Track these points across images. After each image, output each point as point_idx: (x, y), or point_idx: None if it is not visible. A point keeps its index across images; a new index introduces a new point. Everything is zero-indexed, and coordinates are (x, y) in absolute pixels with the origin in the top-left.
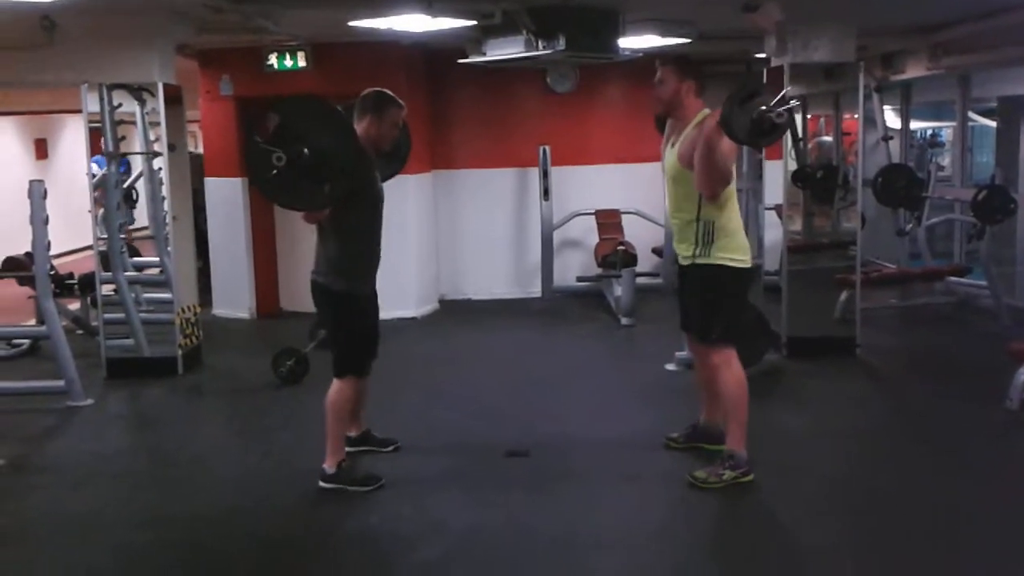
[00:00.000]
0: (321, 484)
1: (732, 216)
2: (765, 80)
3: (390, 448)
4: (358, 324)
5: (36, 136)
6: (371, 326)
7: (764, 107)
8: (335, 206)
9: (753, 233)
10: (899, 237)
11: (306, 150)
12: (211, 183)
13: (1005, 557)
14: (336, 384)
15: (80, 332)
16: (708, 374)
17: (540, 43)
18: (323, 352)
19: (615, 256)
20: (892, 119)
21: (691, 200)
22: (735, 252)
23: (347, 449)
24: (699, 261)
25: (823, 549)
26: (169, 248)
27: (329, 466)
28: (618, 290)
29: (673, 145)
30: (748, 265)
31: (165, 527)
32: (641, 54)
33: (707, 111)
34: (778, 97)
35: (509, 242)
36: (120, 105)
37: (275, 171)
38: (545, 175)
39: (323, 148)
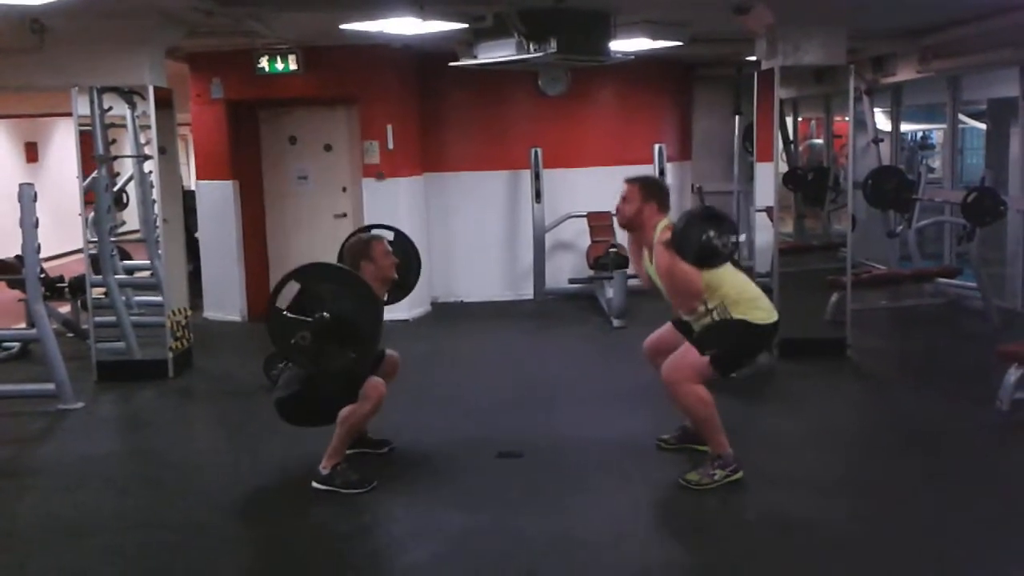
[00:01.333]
0: (314, 484)
1: (740, 287)
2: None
3: (384, 449)
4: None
5: (26, 139)
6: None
7: (715, 234)
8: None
9: (744, 235)
10: (889, 239)
11: (327, 314)
12: (202, 186)
13: (996, 558)
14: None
15: (70, 335)
16: (670, 394)
17: (531, 46)
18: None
19: (607, 258)
20: (882, 121)
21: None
22: (755, 311)
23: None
24: (717, 318)
25: (815, 549)
26: (160, 251)
27: (325, 467)
28: (610, 292)
29: (651, 262)
30: (771, 320)
31: (156, 530)
32: (632, 57)
33: (665, 222)
34: (731, 232)
35: (501, 244)
36: (111, 108)
37: (295, 342)
38: (537, 177)
39: (344, 313)
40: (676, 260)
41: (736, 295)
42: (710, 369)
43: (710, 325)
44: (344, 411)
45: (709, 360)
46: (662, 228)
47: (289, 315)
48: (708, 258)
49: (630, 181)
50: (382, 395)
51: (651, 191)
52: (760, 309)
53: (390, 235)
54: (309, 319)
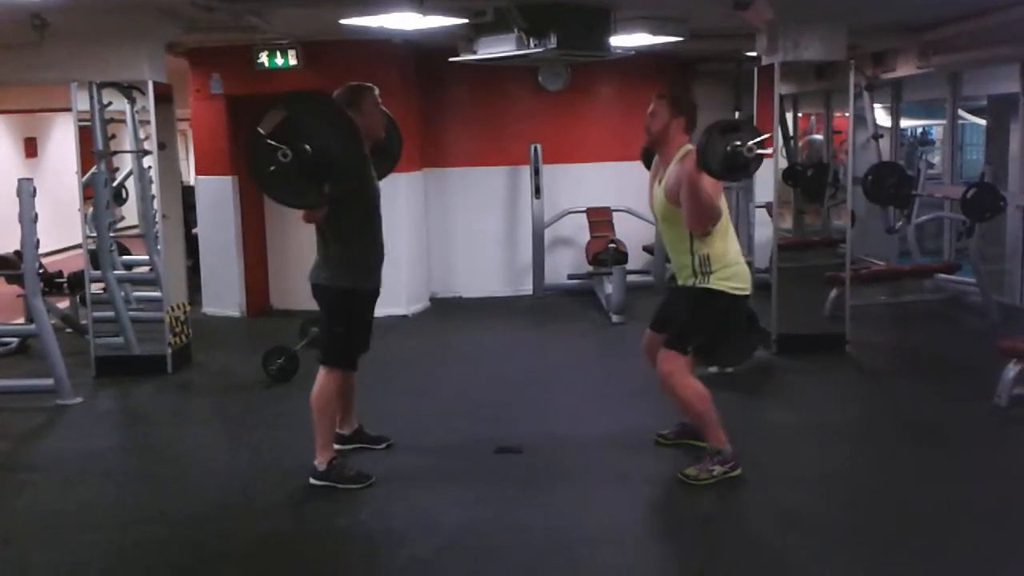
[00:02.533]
0: (312, 481)
1: (729, 247)
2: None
3: (383, 445)
4: (356, 320)
5: (26, 135)
6: (367, 321)
7: (739, 142)
8: (331, 205)
9: (743, 231)
10: (889, 235)
11: (309, 147)
12: (201, 181)
13: (994, 553)
14: (322, 376)
15: (69, 330)
16: (659, 381)
17: (531, 41)
18: (313, 350)
19: (606, 254)
20: (882, 117)
21: (683, 237)
22: (734, 280)
23: (341, 447)
24: (699, 285)
25: (814, 544)
26: (159, 246)
27: (320, 463)
28: (609, 288)
29: (660, 182)
30: (748, 292)
31: (155, 525)
32: (632, 52)
33: (689, 147)
34: (756, 136)
35: (500, 240)
36: (110, 103)
37: (274, 167)
38: (536, 173)
39: (328, 149)
40: (702, 175)
41: (722, 254)
42: (684, 357)
43: (686, 315)
44: (312, 396)
45: (683, 351)
46: (684, 152)
47: (271, 141)
48: (735, 168)
49: (659, 96)
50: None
51: (681, 105)
52: (738, 278)
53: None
54: (289, 147)
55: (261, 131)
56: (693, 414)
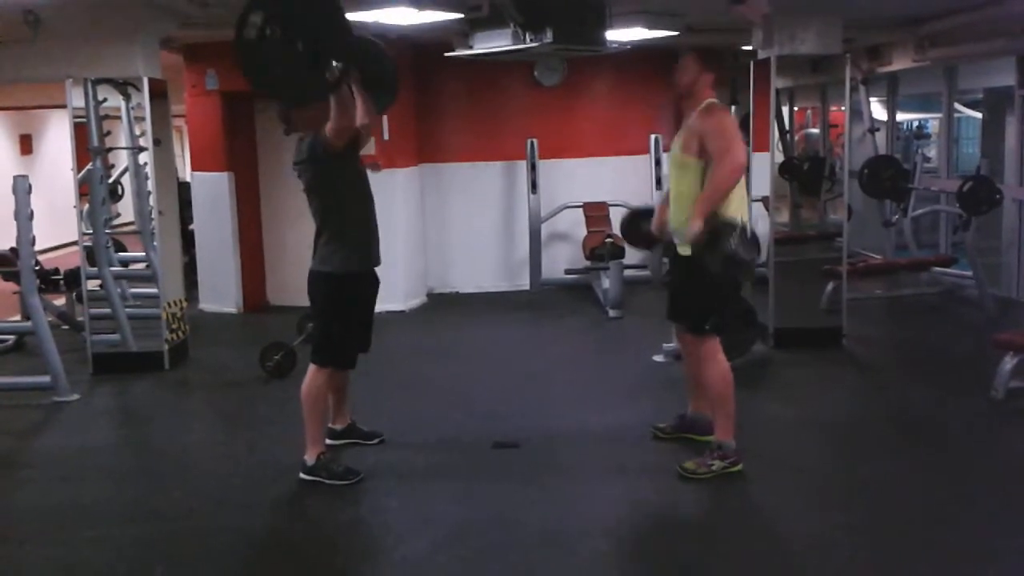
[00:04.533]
0: (301, 476)
1: (741, 210)
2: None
3: (375, 441)
4: (350, 311)
5: (21, 132)
6: (365, 314)
7: (731, 248)
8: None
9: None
10: (885, 228)
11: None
12: (197, 177)
13: (991, 547)
14: (312, 373)
15: (66, 327)
16: (695, 365)
17: (527, 36)
18: (311, 346)
19: (603, 248)
20: (878, 111)
21: (692, 188)
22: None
23: (333, 442)
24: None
25: (811, 538)
26: (155, 243)
27: (309, 458)
28: (606, 282)
29: (681, 134)
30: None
31: (152, 521)
32: (629, 47)
33: (713, 100)
34: (740, 238)
35: (497, 235)
36: (105, 100)
37: (253, 42)
38: (533, 168)
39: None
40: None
41: (734, 212)
42: (716, 338)
43: (693, 291)
44: (303, 390)
45: (712, 332)
46: (708, 104)
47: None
48: (735, 267)
49: (685, 53)
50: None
51: (705, 63)
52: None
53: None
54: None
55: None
56: (714, 394)
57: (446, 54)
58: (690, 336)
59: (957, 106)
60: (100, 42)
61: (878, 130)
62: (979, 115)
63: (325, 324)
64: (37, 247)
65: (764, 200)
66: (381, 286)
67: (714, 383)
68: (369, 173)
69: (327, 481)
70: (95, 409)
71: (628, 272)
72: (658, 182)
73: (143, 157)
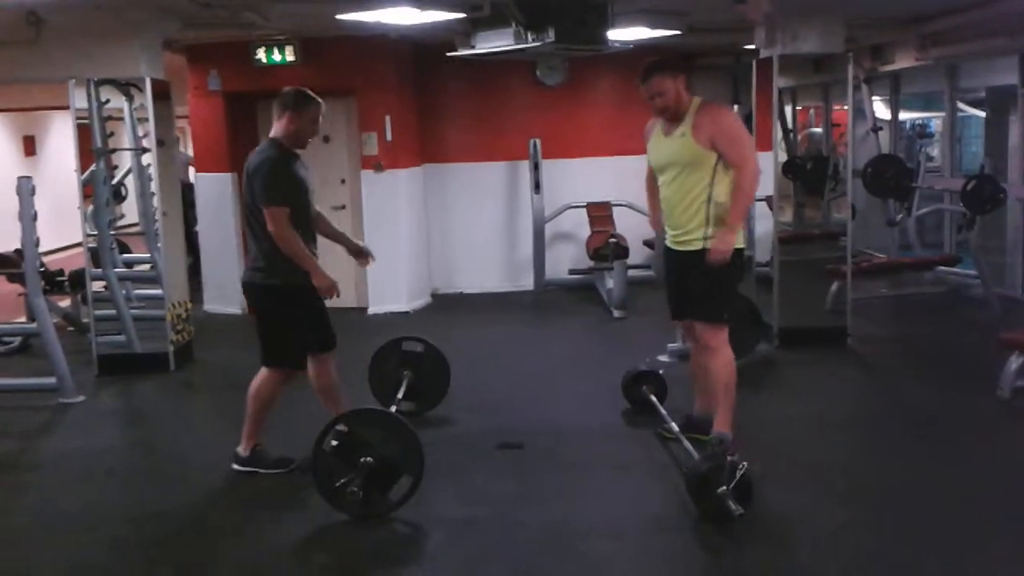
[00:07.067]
0: (234, 467)
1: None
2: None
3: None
4: (296, 315)
5: (24, 133)
6: (313, 317)
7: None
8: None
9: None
10: (889, 227)
11: (371, 459)
12: (201, 178)
13: (997, 545)
14: (264, 374)
15: (71, 329)
16: (704, 358)
17: (529, 35)
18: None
19: (607, 249)
20: (881, 110)
21: (702, 183)
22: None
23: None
24: (710, 244)
25: (814, 536)
26: (159, 244)
27: (243, 449)
28: (610, 282)
29: (683, 135)
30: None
31: (158, 523)
32: (631, 46)
33: (701, 99)
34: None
35: (500, 235)
36: (108, 101)
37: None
38: (536, 168)
39: (389, 456)
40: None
41: (725, 200)
42: (726, 328)
43: (705, 283)
44: (251, 388)
45: (724, 321)
46: (699, 103)
47: (333, 455)
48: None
49: (650, 72)
50: (286, 376)
51: (673, 68)
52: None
53: (420, 347)
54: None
55: (325, 448)
56: (721, 384)
57: (448, 54)
58: (704, 326)
59: (960, 105)
60: (103, 43)
61: (881, 129)
62: (982, 114)
63: (266, 329)
64: (41, 248)
65: (768, 200)
66: (385, 287)
67: (722, 372)
68: (372, 173)
69: (262, 471)
70: (100, 410)
71: (632, 272)
72: None
73: (146, 158)
